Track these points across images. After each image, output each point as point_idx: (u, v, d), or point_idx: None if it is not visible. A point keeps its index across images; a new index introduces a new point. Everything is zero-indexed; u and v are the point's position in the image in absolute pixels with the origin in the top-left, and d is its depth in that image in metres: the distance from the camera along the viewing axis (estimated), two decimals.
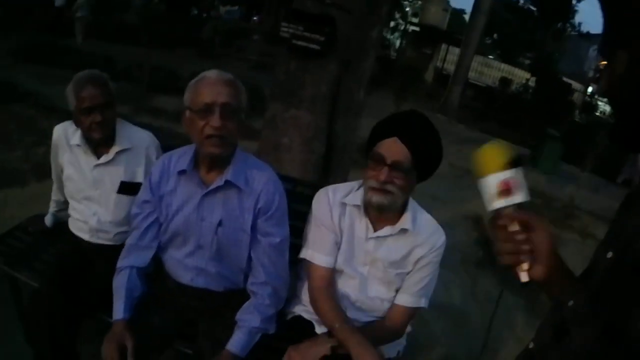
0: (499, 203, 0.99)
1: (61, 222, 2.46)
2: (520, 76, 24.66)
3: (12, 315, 2.39)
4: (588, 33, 30.46)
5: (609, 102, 0.92)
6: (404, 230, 1.83)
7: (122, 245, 1.98)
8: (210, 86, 1.72)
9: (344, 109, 3.40)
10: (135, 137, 2.25)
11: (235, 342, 1.75)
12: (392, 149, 1.71)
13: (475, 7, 15.25)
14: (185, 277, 1.92)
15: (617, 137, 0.91)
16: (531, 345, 1.00)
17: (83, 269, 2.14)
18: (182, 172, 1.84)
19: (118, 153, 2.20)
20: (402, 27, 27.54)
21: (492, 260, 4.79)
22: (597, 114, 25.43)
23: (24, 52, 9.74)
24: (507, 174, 0.99)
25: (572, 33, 28.74)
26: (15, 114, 6.21)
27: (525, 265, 0.96)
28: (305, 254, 1.90)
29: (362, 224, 1.88)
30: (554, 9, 22.19)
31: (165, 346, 1.94)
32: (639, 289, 0.78)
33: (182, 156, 1.88)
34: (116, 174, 2.21)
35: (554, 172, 9.02)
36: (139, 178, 2.22)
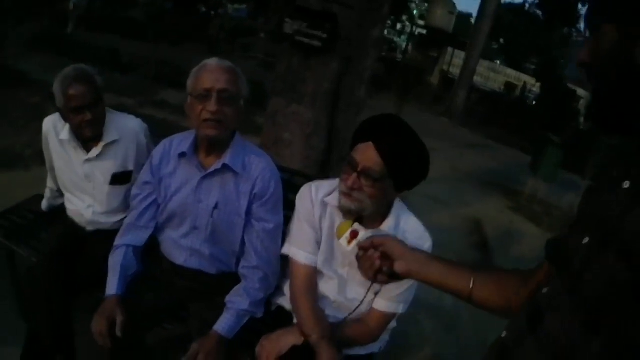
0: (352, 244, 1.51)
1: (57, 207, 2.50)
2: (526, 81, 24.70)
3: (7, 292, 2.45)
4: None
5: (587, 75, 0.89)
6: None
7: (118, 229, 2.03)
8: (209, 73, 1.78)
9: (344, 105, 3.44)
10: (123, 127, 2.25)
11: (223, 324, 1.81)
12: (365, 154, 1.65)
13: (481, 11, 15.18)
14: (179, 257, 1.97)
15: (595, 116, 0.90)
16: (504, 335, 0.99)
17: (80, 249, 2.19)
18: (182, 155, 1.91)
19: (107, 145, 2.19)
20: (409, 30, 27.51)
21: (488, 263, 4.85)
22: None
23: (34, 41, 9.84)
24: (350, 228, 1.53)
25: (579, 39, 28.61)
26: (22, 101, 6.33)
27: (384, 268, 1.26)
28: (288, 250, 1.89)
29: None
30: (559, 14, 22.15)
31: (155, 325, 1.99)
32: (622, 274, 0.78)
33: (183, 140, 1.94)
34: (107, 167, 2.22)
35: (553, 179, 8.96)
36: (131, 166, 2.25)
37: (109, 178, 2.22)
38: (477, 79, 20.28)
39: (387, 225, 1.79)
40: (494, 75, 27.84)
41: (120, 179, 2.23)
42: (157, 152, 1.99)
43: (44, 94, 6.46)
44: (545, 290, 0.93)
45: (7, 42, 8.79)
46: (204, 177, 1.88)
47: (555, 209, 7.43)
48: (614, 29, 0.82)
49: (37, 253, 2.20)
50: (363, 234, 1.50)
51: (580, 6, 25.19)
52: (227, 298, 1.89)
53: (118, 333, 1.72)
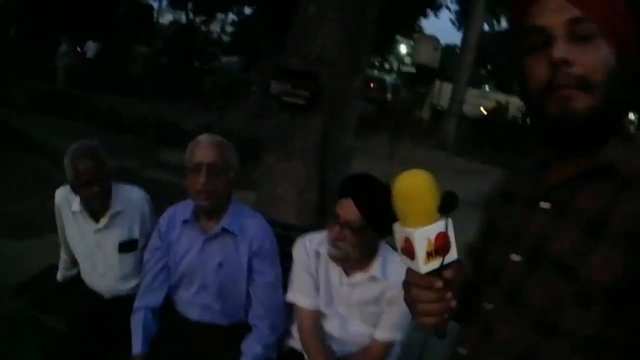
0: (435, 263, 0.84)
1: (71, 277, 2.66)
2: (509, 102, 25.21)
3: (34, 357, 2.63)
4: None
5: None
6: (373, 277, 2.00)
7: (134, 295, 2.26)
8: (199, 148, 2.05)
9: (333, 156, 3.69)
10: (128, 199, 2.44)
11: None
12: (346, 209, 1.90)
13: (463, 43, 15.75)
14: (193, 314, 2.20)
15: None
16: (462, 351, 1.03)
17: (102, 316, 2.40)
18: (185, 222, 2.16)
19: (113, 216, 2.38)
20: (397, 69, 28.05)
21: None
22: None
23: (32, 101, 10.23)
24: (441, 225, 0.84)
25: None
26: (27, 164, 6.55)
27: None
28: (293, 297, 2.11)
29: (335, 271, 2.08)
30: None
31: None
32: (563, 287, 0.86)
33: (185, 208, 2.20)
34: (115, 236, 2.41)
35: None
36: (136, 235, 2.45)
37: (117, 246, 2.42)
38: (468, 107, 20.58)
39: (374, 267, 2.01)
40: (484, 102, 28.20)
41: (127, 247, 2.43)
42: (164, 219, 2.25)
43: (49, 158, 6.75)
44: (490, 307, 0.99)
45: (10, 102, 9.21)
46: (206, 240, 2.13)
47: None
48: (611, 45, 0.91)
49: (63, 321, 2.39)
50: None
51: None
52: (242, 346, 2.10)
53: None
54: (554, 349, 0.87)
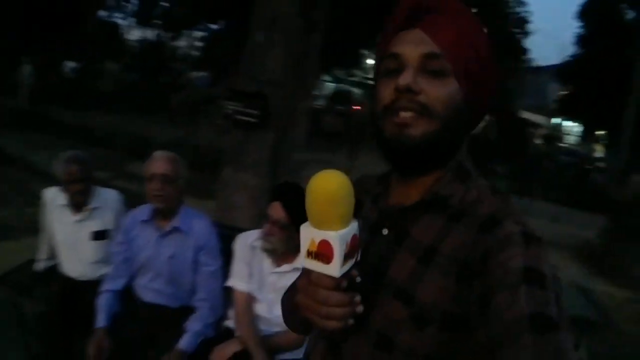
0: (347, 266, 0.84)
1: (50, 267, 3.10)
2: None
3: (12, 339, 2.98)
4: (538, 67, 30.78)
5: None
6: (297, 268, 2.34)
7: (101, 280, 2.71)
8: (154, 162, 2.55)
9: (284, 169, 4.10)
10: (104, 197, 2.99)
11: (183, 342, 2.45)
12: (274, 210, 2.33)
13: None
14: (148, 297, 2.65)
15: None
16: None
17: (76, 296, 2.83)
18: (144, 221, 2.63)
19: (91, 210, 2.92)
20: (362, 82, 28.28)
21: None
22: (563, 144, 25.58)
23: (11, 119, 10.60)
24: (355, 227, 0.84)
25: (529, 66, 28.62)
26: (7, 176, 6.99)
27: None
28: (231, 282, 2.52)
29: (266, 262, 2.48)
30: (504, 49, 22.95)
31: (134, 350, 2.58)
32: (402, 309, 0.92)
33: (143, 210, 2.67)
34: (90, 226, 2.93)
35: None
36: (109, 225, 2.94)
37: (91, 235, 2.92)
38: None
39: (298, 261, 2.40)
40: None
41: (100, 235, 2.94)
42: (126, 219, 2.73)
43: (26, 171, 7.10)
44: None
45: None
46: (160, 237, 2.60)
47: None
48: None
49: (41, 303, 2.80)
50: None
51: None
52: (186, 324, 2.54)
53: (102, 354, 2.39)
54: None
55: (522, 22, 26.64)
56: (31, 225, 4.61)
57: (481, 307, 0.82)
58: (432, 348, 0.88)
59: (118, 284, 2.66)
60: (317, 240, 0.81)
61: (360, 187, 1.08)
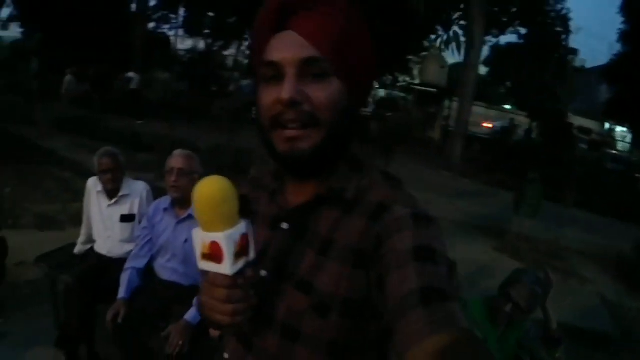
0: (240, 264, 0.86)
1: (86, 251, 3.61)
2: (513, 119, 24.25)
3: (47, 309, 3.54)
4: (589, 68, 28.72)
5: None
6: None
7: (127, 258, 3.13)
8: (172, 158, 2.96)
9: None
10: (133, 187, 3.48)
11: (190, 314, 2.78)
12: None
13: (465, 60, 15.26)
14: (165, 275, 3.02)
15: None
16: (227, 356, 1.10)
17: (103, 272, 3.25)
18: (165, 209, 3.03)
19: (121, 197, 3.42)
20: (407, 87, 27.28)
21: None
22: (612, 150, 24.08)
23: (63, 123, 11.47)
24: (243, 227, 0.86)
25: (579, 67, 26.44)
26: (54, 176, 7.58)
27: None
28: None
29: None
30: (549, 46, 21.62)
31: (149, 320, 2.92)
32: (304, 299, 0.95)
33: (165, 200, 3.07)
34: (120, 210, 3.42)
35: (534, 215, 8.74)
36: (135, 210, 3.41)
37: (120, 217, 3.41)
38: (484, 126, 19.95)
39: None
40: (496, 121, 27.28)
41: (127, 218, 3.42)
42: (151, 207, 3.13)
43: (72, 171, 7.69)
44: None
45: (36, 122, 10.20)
46: (177, 223, 2.99)
47: (539, 243, 7.85)
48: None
49: (75, 277, 3.19)
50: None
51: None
52: (195, 299, 2.89)
53: (119, 320, 2.78)
54: (301, 352, 0.96)
55: (564, 19, 24.73)
56: (75, 219, 5.23)
57: (379, 291, 0.85)
58: (335, 334, 0.93)
59: (140, 262, 3.07)
60: (208, 242, 0.84)
61: (255, 184, 1.17)
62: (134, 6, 22.20)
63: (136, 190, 3.48)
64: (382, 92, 29.36)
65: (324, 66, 0.91)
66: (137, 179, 3.63)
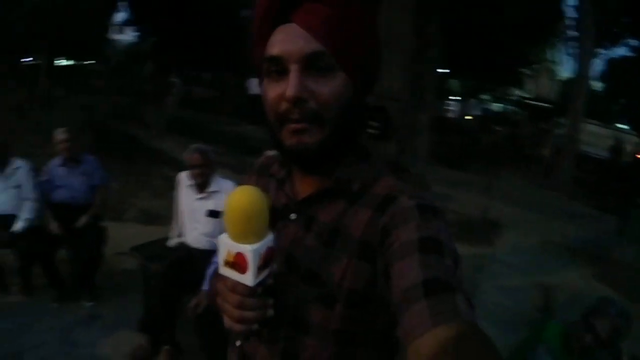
0: (262, 275, 0.88)
1: (180, 243, 3.71)
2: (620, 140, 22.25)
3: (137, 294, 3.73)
4: None
5: None
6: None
7: (213, 250, 3.19)
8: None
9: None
10: (222, 184, 3.60)
11: (204, 284, 2.91)
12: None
13: (577, 75, 14.54)
14: None
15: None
16: (238, 344, 1.11)
17: (191, 265, 3.34)
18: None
19: (210, 193, 3.56)
20: (522, 103, 26.09)
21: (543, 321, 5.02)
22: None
23: (171, 124, 11.96)
24: (270, 240, 0.88)
25: None
26: (163, 174, 7.95)
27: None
28: None
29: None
30: None
31: None
32: (311, 289, 0.96)
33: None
34: (207, 205, 3.56)
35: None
36: (222, 207, 3.38)
37: (207, 212, 3.53)
38: (597, 146, 18.99)
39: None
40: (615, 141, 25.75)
41: (213, 214, 3.54)
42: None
43: (180, 170, 8.08)
44: (238, 343, 1.10)
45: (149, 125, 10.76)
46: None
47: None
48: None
49: (165, 267, 3.35)
50: None
51: None
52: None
53: (198, 310, 2.89)
54: (310, 342, 0.97)
55: None
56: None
57: (385, 282, 0.85)
58: (341, 325, 0.94)
59: None
60: (234, 252, 0.84)
61: (264, 171, 1.17)
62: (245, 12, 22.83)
63: (226, 188, 3.57)
64: (495, 106, 28.37)
65: (329, 60, 0.89)
66: (238, 180, 3.71)
